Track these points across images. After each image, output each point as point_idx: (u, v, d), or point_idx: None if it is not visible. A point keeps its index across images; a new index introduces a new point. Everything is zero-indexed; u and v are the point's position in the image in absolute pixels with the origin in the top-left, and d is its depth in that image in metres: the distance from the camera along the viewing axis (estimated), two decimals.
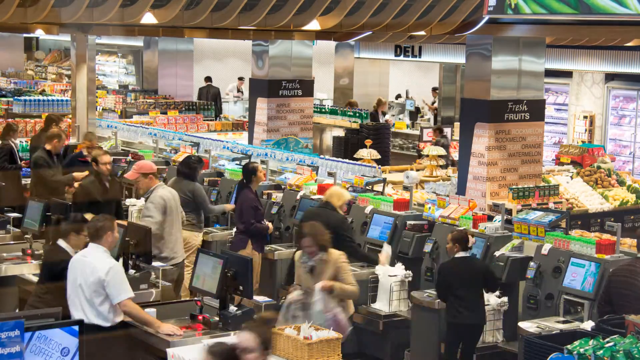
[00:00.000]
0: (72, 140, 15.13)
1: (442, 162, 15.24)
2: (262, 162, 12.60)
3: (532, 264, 8.59)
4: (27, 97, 18.24)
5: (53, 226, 8.34)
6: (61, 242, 7.85)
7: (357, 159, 14.20)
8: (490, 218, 9.63)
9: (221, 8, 11.53)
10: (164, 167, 13.33)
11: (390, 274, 9.30)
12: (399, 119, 23.16)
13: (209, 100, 21.84)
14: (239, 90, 25.42)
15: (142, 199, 10.16)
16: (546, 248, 8.58)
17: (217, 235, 11.09)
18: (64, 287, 7.37)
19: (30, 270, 8.91)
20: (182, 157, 13.41)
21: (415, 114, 24.27)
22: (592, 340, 6.35)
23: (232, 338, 6.48)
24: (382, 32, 13.57)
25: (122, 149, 15.10)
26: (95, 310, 7.14)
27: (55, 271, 7.62)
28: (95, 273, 7.11)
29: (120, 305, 7.16)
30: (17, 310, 8.47)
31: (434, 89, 25.40)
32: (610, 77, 19.56)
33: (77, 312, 7.17)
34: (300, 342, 6.32)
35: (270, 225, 10.37)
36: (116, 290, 7.12)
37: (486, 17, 11.18)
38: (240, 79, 25.34)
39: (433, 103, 24.94)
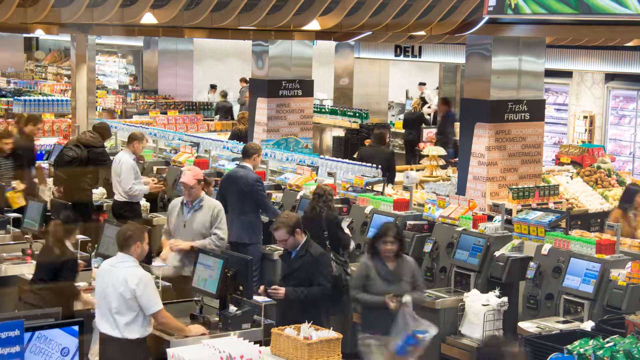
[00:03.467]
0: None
1: (442, 162, 15.23)
2: (262, 162, 12.59)
3: (532, 264, 8.59)
4: (27, 97, 18.26)
5: (57, 225, 8.24)
6: (67, 243, 8.01)
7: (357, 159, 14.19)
8: (490, 218, 9.63)
9: (221, 8, 11.52)
10: (164, 167, 13.35)
11: None
12: (399, 119, 23.11)
13: (224, 114, 21.69)
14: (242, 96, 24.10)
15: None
16: (546, 248, 8.58)
17: None
18: (61, 285, 7.34)
19: (30, 270, 8.90)
20: (182, 157, 13.44)
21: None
22: (592, 340, 6.36)
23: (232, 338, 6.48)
24: (382, 32, 13.55)
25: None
26: (125, 323, 6.87)
27: (59, 269, 7.69)
28: (126, 284, 6.85)
29: (156, 315, 6.92)
30: (17, 311, 8.46)
31: (421, 84, 25.16)
32: (610, 77, 19.56)
33: (105, 324, 6.95)
34: (300, 342, 6.32)
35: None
36: (148, 301, 6.87)
37: (486, 17, 11.17)
38: (245, 80, 23.61)
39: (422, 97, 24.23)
